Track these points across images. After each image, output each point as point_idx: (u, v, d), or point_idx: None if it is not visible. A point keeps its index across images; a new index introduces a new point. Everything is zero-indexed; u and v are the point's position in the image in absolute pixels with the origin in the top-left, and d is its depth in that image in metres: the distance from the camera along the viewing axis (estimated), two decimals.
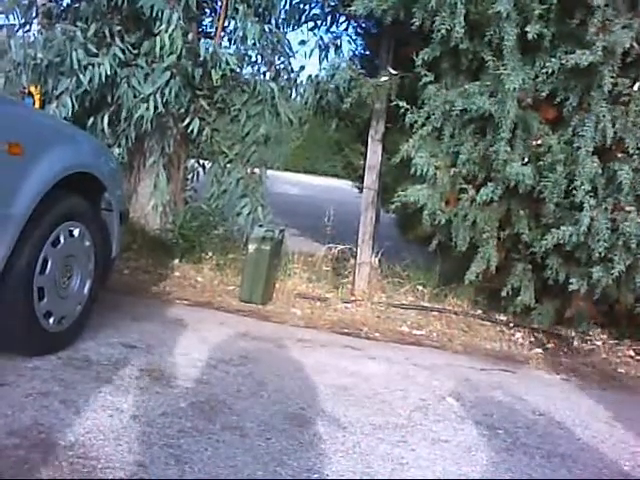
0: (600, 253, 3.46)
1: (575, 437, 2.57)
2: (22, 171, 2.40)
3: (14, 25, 5.14)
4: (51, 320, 2.62)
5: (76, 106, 4.51)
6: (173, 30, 4.44)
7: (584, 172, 3.48)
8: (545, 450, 2.38)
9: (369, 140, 4.63)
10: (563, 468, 2.25)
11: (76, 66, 4.43)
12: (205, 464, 1.92)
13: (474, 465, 2.18)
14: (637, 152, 3.49)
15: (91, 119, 4.72)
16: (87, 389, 2.35)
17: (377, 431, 2.35)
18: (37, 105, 4.79)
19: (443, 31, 3.60)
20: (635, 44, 3.41)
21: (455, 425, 2.51)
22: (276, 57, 5.12)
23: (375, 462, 2.10)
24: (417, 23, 3.71)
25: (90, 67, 4.48)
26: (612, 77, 3.42)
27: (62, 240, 2.66)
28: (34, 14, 5.05)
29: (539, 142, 3.66)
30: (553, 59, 3.49)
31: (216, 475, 1.87)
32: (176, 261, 4.70)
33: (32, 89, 4.83)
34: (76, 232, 2.77)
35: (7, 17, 5.15)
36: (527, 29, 3.46)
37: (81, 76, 4.45)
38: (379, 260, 4.60)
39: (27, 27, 5.11)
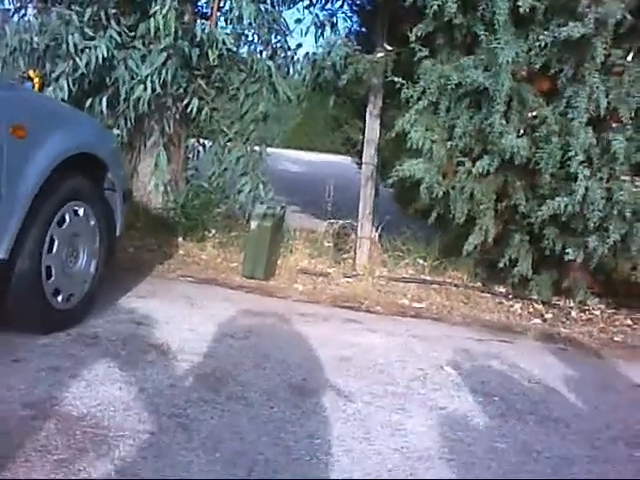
0: (595, 223, 3.51)
1: (569, 403, 2.65)
2: (26, 153, 2.47)
3: (9, 10, 5.18)
4: (59, 298, 2.71)
5: (73, 89, 4.55)
6: (167, 11, 4.46)
7: (578, 143, 3.51)
8: (539, 416, 2.46)
9: (367, 116, 4.67)
10: (556, 433, 2.33)
11: (72, 50, 4.47)
12: (211, 431, 2.02)
13: (470, 430, 2.27)
14: (631, 122, 3.53)
15: (89, 101, 4.75)
16: (96, 364, 2.44)
17: (376, 399, 2.44)
18: (37, 89, 4.82)
19: (435, 7, 3.62)
20: (628, 15, 3.43)
21: (452, 393, 2.60)
22: (272, 36, 5.15)
23: (374, 428, 2.19)
24: None
25: (87, 50, 4.51)
26: (605, 48, 3.44)
27: (68, 219, 2.74)
28: None
29: (534, 114, 3.69)
30: (546, 32, 3.51)
31: (221, 440, 1.96)
32: (180, 239, 4.78)
33: (31, 73, 4.86)
34: (81, 212, 2.85)
35: (2, 2, 5.19)
36: (519, 3, 3.48)
37: (77, 60, 4.49)
38: (379, 235, 4.66)
39: (22, 11, 5.15)
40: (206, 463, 1.83)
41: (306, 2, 5.23)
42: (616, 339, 3.75)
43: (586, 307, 4.04)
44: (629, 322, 4.00)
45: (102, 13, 4.68)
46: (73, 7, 4.63)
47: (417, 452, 2.03)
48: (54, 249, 2.66)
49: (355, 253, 4.62)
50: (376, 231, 4.65)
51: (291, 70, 5.28)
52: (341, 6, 5.18)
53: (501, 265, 3.95)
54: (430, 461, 1.99)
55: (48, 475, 1.67)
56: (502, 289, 4.30)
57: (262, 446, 1.96)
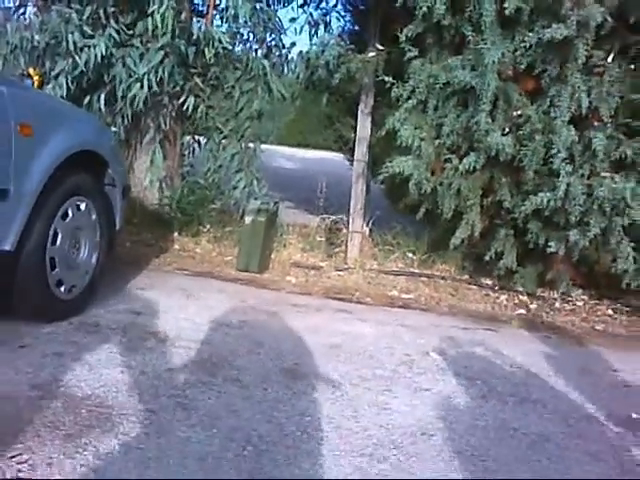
0: (576, 217, 3.67)
1: (548, 386, 2.79)
2: (32, 151, 2.59)
3: (10, 8, 5.29)
4: (62, 288, 2.84)
5: (72, 87, 4.66)
6: (165, 10, 4.57)
7: (561, 140, 3.67)
8: (519, 397, 2.60)
9: (359, 114, 4.81)
10: (534, 412, 2.47)
11: (72, 48, 4.58)
12: (209, 410, 2.15)
13: (452, 410, 2.41)
14: (611, 120, 3.68)
15: (87, 98, 4.87)
16: (98, 350, 2.57)
17: (364, 382, 2.58)
18: (36, 86, 4.93)
19: (425, 8, 3.76)
20: (608, 17, 3.57)
21: (436, 376, 2.74)
22: (267, 34, 5.27)
23: (361, 407, 2.33)
24: (400, 0, 3.87)
25: (86, 49, 4.62)
26: (586, 50, 3.58)
27: (70, 214, 2.86)
28: None
29: (519, 113, 3.85)
30: (531, 33, 3.66)
31: (218, 417, 2.10)
32: (175, 234, 4.91)
33: (31, 71, 4.96)
34: (83, 206, 2.97)
35: (3, 0, 5.30)
36: (505, 4, 3.62)
37: (77, 58, 4.60)
38: (370, 229, 4.82)
39: (23, 10, 5.26)
40: (204, 438, 1.96)
41: (300, 1, 5.37)
42: (597, 328, 3.91)
43: (570, 298, 4.21)
44: (610, 312, 4.15)
45: (101, 12, 4.78)
46: (73, 5, 4.74)
47: (401, 428, 2.18)
48: (58, 242, 2.78)
49: (346, 247, 4.76)
50: (367, 226, 4.81)
51: (285, 68, 5.41)
52: (335, 5, 5.35)
53: (487, 258, 4.11)
54: (413, 436, 2.13)
55: (59, 448, 1.80)
56: (488, 281, 4.46)
57: (256, 423, 2.10)
